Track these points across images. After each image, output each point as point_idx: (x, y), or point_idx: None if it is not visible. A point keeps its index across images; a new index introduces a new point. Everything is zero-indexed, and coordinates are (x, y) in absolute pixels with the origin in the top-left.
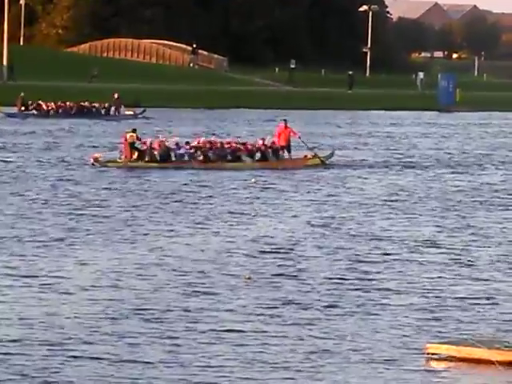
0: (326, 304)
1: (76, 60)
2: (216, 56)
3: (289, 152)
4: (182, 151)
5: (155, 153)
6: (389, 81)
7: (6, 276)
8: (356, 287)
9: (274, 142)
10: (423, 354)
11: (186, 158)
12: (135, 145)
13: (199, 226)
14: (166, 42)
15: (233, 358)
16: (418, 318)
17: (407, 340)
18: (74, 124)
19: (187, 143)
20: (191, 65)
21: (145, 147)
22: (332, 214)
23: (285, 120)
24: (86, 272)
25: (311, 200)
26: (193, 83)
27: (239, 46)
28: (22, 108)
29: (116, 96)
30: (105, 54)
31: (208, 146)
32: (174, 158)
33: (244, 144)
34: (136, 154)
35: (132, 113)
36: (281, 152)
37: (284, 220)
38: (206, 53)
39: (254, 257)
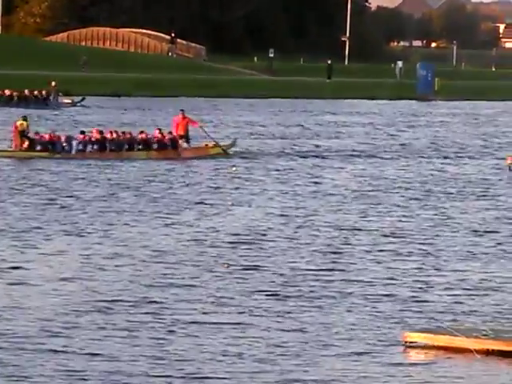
0: (300, 295)
1: (54, 49)
2: (194, 45)
3: (187, 142)
4: (75, 142)
5: (47, 142)
6: (367, 70)
7: None
8: (331, 278)
9: (170, 132)
10: (401, 342)
11: (80, 148)
12: (25, 133)
13: (159, 215)
14: (144, 30)
15: (206, 351)
16: (394, 308)
17: (384, 330)
18: (9, 112)
19: (82, 132)
20: (170, 54)
21: (37, 136)
22: (300, 204)
23: (182, 110)
24: (52, 263)
25: (277, 190)
26: (171, 72)
27: (218, 35)
28: None
29: (53, 84)
30: (83, 43)
31: (102, 136)
32: (67, 149)
33: (141, 133)
34: (26, 143)
35: (70, 101)
36: (180, 141)
37: (251, 210)
38: (184, 42)
39: (225, 247)
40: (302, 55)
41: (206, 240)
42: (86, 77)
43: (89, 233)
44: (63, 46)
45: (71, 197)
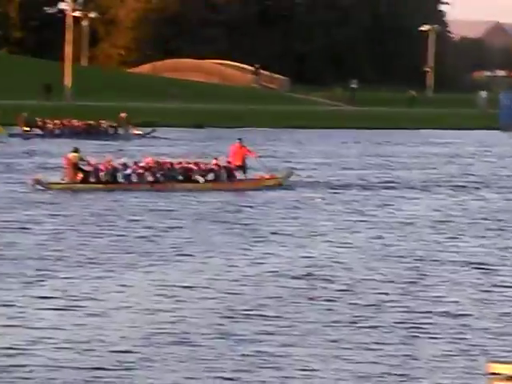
0: (381, 326)
1: (138, 80)
2: (278, 76)
3: (244, 172)
4: (128, 172)
5: (101, 174)
6: (451, 100)
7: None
8: (411, 309)
9: (228, 162)
10: (485, 374)
11: (134, 179)
12: (79, 165)
13: (237, 246)
14: (228, 62)
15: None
16: (477, 339)
17: (468, 361)
18: (76, 143)
19: (135, 163)
20: (254, 85)
21: (90, 168)
22: (377, 234)
23: (240, 139)
24: (130, 294)
25: (351, 220)
26: (254, 103)
27: (301, 66)
28: (25, 128)
29: (123, 115)
30: (167, 75)
31: (157, 166)
32: (120, 180)
33: (196, 164)
34: (80, 175)
35: (141, 132)
36: (236, 172)
37: (329, 241)
38: (268, 73)
39: (300, 279)
40: (385, 85)
41: (285, 271)
42: (169, 108)
43: (166, 263)
44: (147, 78)
45: (146, 228)
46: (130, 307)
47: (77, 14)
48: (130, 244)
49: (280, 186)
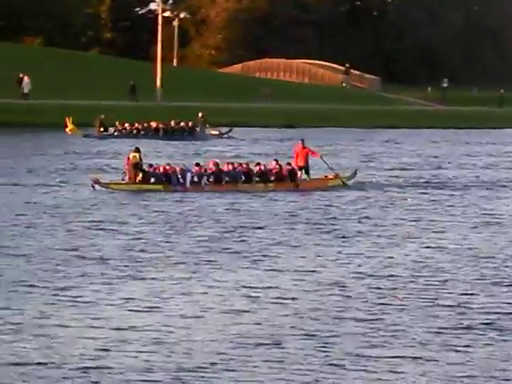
0: (470, 328)
1: (229, 81)
2: (368, 76)
3: (307, 173)
4: (189, 174)
5: (160, 175)
6: None
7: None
8: (498, 311)
9: (289, 164)
10: None
11: (195, 180)
12: (139, 166)
13: (326, 246)
14: (318, 61)
15: None
16: None
17: None
18: (156, 144)
19: (197, 165)
20: (343, 85)
21: (150, 169)
22: (464, 234)
23: (302, 140)
24: (212, 295)
25: (439, 220)
26: (345, 103)
27: (391, 66)
28: (101, 129)
29: (200, 115)
30: (257, 75)
31: (217, 168)
32: (181, 181)
33: (258, 165)
34: (140, 175)
35: (217, 132)
36: (298, 173)
37: (420, 242)
38: (358, 72)
39: (395, 280)
40: (476, 85)
41: (371, 272)
42: (260, 108)
43: (253, 263)
44: (238, 78)
45: (227, 227)
46: (216, 308)
47: (167, 14)
48: (213, 244)
49: (344, 186)
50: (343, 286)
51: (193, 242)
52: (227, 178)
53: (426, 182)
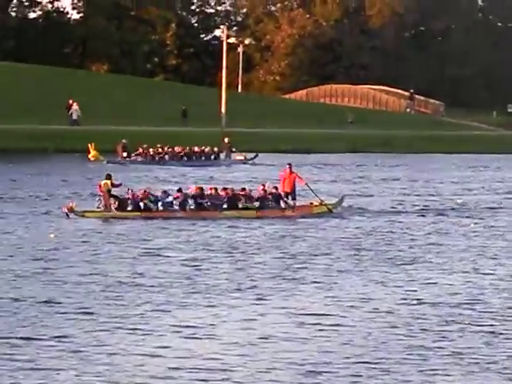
0: None
1: (293, 106)
2: (433, 101)
3: (293, 199)
4: (169, 199)
5: (140, 202)
6: None
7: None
8: None
9: (276, 188)
10: None
11: (176, 206)
12: (112, 192)
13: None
14: (382, 87)
15: None
16: None
17: None
18: (174, 169)
19: (179, 190)
20: (408, 110)
21: (128, 196)
22: None
23: (289, 164)
24: (267, 321)
25: (498, 247)
26: (408, 128)
27: (455, 91)
28: (124, 154)
29: (226, 141)
30: (322, 100)
31: (200, 193)
32: (161, 208)
33: (242, 190)
34: (116, 202)
35: (242, 158)
36: (285, 199)
37: (473, 269)
38: (422, 97)
39: (450, 306)
40: None
41: (433, 299)
42: (323, 133)
43: (310, 290)
44: (302, 104)
45: (266, 254)
46: (271, 335)
47: (232, 40)
48: (267, 270)
49: (330, 213)
50: (400, 313)
51: (247, 268)
52: (209, 204)
53: (486, 207)
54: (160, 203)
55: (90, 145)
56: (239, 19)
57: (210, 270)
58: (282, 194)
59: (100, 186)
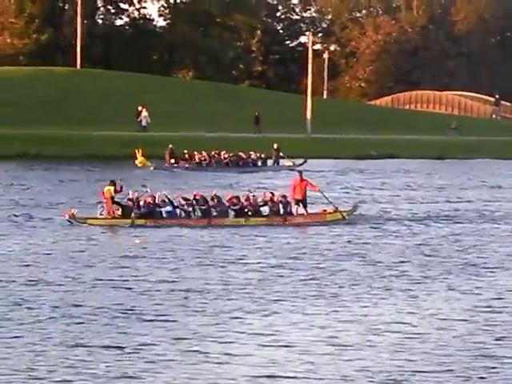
0: None
1: (378, 113)
2: None
3: (304, 206)
4: (169, 209)
5: (142, 208)
6: None
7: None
8: None
9: (284, 196)
10: None
11: (180, 214)
12: (115, 199)
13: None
14: (467, 93)
15: None
16: None
17: None
18: (218, 175)
19: (184, 199)
20: (493, 116)
21: (130, 203)
22: None
23: (300, 172)
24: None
25: None
26: (495, 134)
27: None
28: (172, 160)
29: (275, 147)
30: (407, 107)
31: (203, 200)
32: (164, 215)
33: (247, 199)
34: (119, 209)
35: (291, 164)
36: (295, 206)
37: None
38: (508, 104)
39: None
40: None
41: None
42: (408, 140)
43: (381, 297)
44: (387, 110)
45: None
46: (347, 344)
47: (317, 47)
48: (333, 276)
49: (343, 220)
50: (476, 320)
51: (322, 274)
52: (215, 212)
53: None
54: (163, 210)
55: (137, 151)
56: (324, 25)
57: (285, 277)
58: (293, 201)
59: (103, 192)
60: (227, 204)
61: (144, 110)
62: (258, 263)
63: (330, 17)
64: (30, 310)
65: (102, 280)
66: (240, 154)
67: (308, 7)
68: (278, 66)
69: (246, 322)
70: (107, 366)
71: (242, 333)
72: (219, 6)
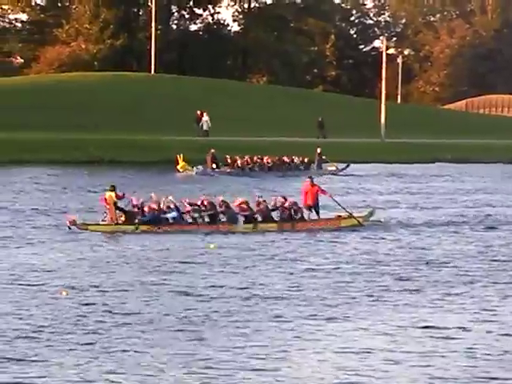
0: None
1: (452, 117)
2: None
3: (317, 212)
4: (174, 214)
5: (147, 214)
6: None
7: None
8: None
9: (294, 203)
10: None
11: (188, 220)
12: (118, 205)
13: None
14: None
15: None
16: None
17: None
18: (260, 180)
19: (191, 204)
20: None
21: (135, 209)
22: None
23: (310, 177)
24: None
25: None
26: None
27: None
28: (214, 165)
29: (319, 151)
30: (481, 111)
31: (210, 206)
32: (171, 221)
33: (259, 204)
34: (122, 215)
35: (334, 168)
36: (307, 212)
37: None
38: None
39: None
40: None
41: None
42: (481, 144)
43: (436, 302)
44: (461, 114)
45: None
46: (410, 350)
47: (391, 51)
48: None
49: (360, 226)
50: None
51: (385, 279)
52: (224, 218)
53: None
54: (169, 216)
55: (178, 156)
56: (398, 30)
57: (353, 282)
58: (304, 207)
59: (105, 198)
60: (237, 210)
61: (205, 114)
62: (325, 269)
63: (403, 21)
64: (115, 314)
65: (177, 286)
66: (283, 158)
67: (382, 11)
68: (351, 70)
69: (318, 327)
70: (186, 374)
71: (316, 340)
72: (293, 11)
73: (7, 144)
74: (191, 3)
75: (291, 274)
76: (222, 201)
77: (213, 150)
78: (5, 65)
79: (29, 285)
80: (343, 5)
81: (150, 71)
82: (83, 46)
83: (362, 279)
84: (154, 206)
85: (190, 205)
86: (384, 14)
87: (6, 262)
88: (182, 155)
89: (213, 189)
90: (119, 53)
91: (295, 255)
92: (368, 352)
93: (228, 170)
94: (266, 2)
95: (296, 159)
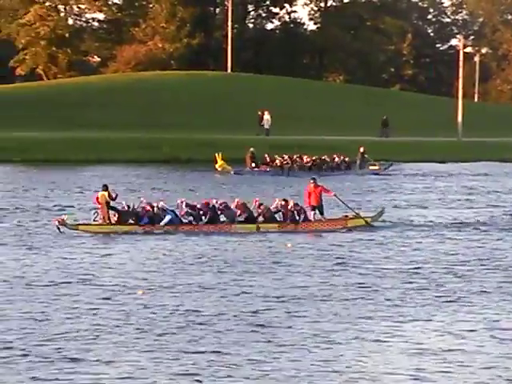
0: None
1: None
2: None
3: (321, 213)
4: (169, 217)
5: (144, 215)
6: None
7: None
8: None
9: (296, 204)
10: None
11: (184, 220)
12: (111, 205)
13: None
14: None
15: None
16: None
17: None
18: (298, 179)
19: (188, 205)
20: None
21: (127, 208)
22: None
23: (314, 178)
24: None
25: None
26: None
27: None
28: (253, 164)
29: (362, 150)
30: None
31: (207, 207)
32: (166, 222)
33: (260, 205)
34: (116, 215)
35: (377, 167)
36: (311, 213)
37: None
38: None
39: None
40: None
41: None
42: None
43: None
44: None
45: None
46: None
47: (469, 50)
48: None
49: (369, 226)
50: None
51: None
52: (224, 218)
53: None
54: (165, 217)
55: (217, 155)
56: (476, 28)
57: (422, 282)
58: (308, 208)
59: (97, 198)
60: (236, 211)
61: (266, 113)
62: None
63: (481, 19)
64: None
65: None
66: (324, 157)
67: (459, 10)
68: (428, 69)
69: (377, 327)
70: (260, 376)
71: (376, 340)
72: (370, 9)
73: (86, 143)
74: (268, 2)
75: (360, 274)
76: (221, 203)
77: (252, 149)
78: (82, 64)
79: (103, 285)
80: (420, 3)
81: (227, 70)
82: (160, 45)
83: (436, 282)
84: (148, 208)
85: (188, 206)
86: (461, 12)
87: (82, 262)
88: (220, 154)
89: (243, 189)
90: (195, 52)
91: (365, 257)
92: (443, 352)
93: (267, 169)
94: (342, 1)
95: (337, 158)
